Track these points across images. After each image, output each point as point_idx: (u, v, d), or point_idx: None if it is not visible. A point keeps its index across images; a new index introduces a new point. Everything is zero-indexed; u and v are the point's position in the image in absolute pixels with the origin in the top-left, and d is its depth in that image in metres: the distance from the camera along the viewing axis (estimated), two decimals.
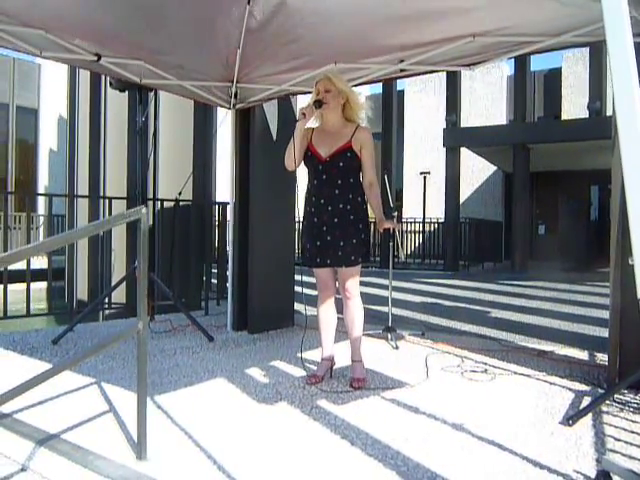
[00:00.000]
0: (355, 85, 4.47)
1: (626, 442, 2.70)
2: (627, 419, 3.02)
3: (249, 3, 3.76)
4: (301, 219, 3.73)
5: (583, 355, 4.58)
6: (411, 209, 20.66)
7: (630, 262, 1.30)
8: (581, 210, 18.84)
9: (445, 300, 9.27)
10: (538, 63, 27.53)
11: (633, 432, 2.82)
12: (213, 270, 7.36)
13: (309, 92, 4.53)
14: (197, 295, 7.13)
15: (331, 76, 3.58)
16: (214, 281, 7.38)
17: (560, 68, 20.23)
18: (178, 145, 8.46)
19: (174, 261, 6.90)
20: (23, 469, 2.38)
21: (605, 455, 2.54)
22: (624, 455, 2.55)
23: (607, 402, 3.26)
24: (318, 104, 3.48)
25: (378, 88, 19.79)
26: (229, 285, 5.59)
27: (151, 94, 5.29)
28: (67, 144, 12.17)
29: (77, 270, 10.45)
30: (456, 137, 16.09)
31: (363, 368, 3.71)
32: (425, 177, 19.54)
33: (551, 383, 3.73)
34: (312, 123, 3.60)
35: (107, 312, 7.31)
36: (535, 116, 19.96)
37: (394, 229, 5.24)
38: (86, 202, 9.97)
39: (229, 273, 5.58)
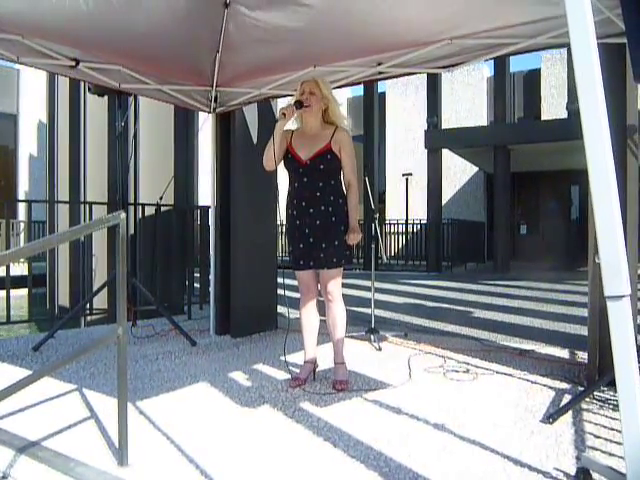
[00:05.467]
0: (335, 87, 4.48)
1: (606, 439, 2.73)
2: (607, 416, 3.06)
3: (227, 6, 3.76)
4: (284, 222, 3.73)
5: (564, 353, 4.63)
6: (394, 211, 20.73)
7: (597, 260, 1.33)
8: (562, 210, 19.02)
9: (428, 301, 9.30)
10: (517, 64, 27.74)
11: (612, 429, 2.85)
12: (196, 274, 7.33)
13: (289, 95, 4.54)
14: (180, 300, 7.11)
15: (319, 80, 3.60)
16: (197, 285, 7.35)
17: (539, 69, 20.42)
18: (159, 149, 8.41)
19: (156, 266, 6.87)
20: (4, 477, 2.36)
21: (585, 452, 2.56)
22: (604, 452, 2.58)
23: (587, 400, 3.30)
24: (299, 104, 3.49)
25: (359, 90, 19.85)
26: (211, 289, 5.58)
27: (130, 98, 5.26)
28: (47, 149, 12.07)
29: (58, 276, 10.36)
30: (437, 139, 16.17)
31: (346, 370, 3.72)
32: (407, 179, 19.61)
33: (532, 382, 3.76)
34: (291, 125, 3.61)
35: (89, 318, 7.24)
36: (515, 117, 20.11)
37: (376, 233, 5.28)
38: (66, 208, 9.89)
39: (211, 277, 5.57)
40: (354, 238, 3.55)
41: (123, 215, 2.39)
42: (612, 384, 3.38)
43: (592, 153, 1.21)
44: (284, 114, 3.45)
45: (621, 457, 2.48)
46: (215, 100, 5.22)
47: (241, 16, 3.79)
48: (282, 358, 4.07)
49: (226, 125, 5.37)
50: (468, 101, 20.91)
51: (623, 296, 1.45)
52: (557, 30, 3.47)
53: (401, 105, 22.00)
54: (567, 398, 3.37)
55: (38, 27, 3.79)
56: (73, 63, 4.16)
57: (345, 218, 3.57)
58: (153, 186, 7.46)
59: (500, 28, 3.57)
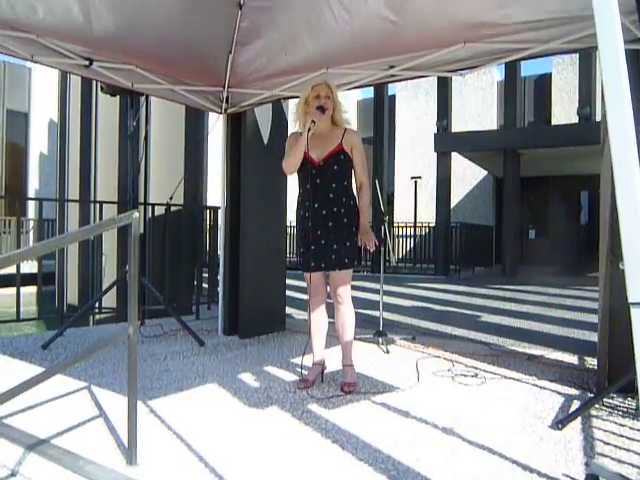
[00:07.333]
0: (346, 90, 4.50)
1: (615, 446, 2.72)
2: (616, 423, 3.04)
3: (241, 7, 3.77)
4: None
5: (573, 359, 4.60)
6: (403, 213, 20.68)
7: (621, 267, 1.31)
8: (571, 215, 18.96)
9: (436, 304, 9.29)
10: (528, 68, 27.59)
11: (622, 436, 2.84)
12: (204, 274, 7.35)
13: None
14: (188, 299, 7.12)
15: (330, 84, 3.62)
16: (205, 285, 7.37)
17: (550, 74, 20.34)
18: (169, 149, 8.44)
19: (165, 265, 6.89)
20: (13, 474, 2.37)
21: (594, 459, 2.55)
22: (613, 459, 2.56)
23: (596, 406, 3.28)
24: (322, 110, 3.50)
25: (369, 93, 19.86)
26: (220, 289, 5.59)
27: (142, 98, 5.28)
28: (58, 148, 12.13)
29: (67, 274, 10.40)
30: (447, 142, 16.15)
31: (354, 372, 3.71)
32: (416, 182, 19.58)
33: (541, 387, 3.75)
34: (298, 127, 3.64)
35: (98, 317, 7.27)
36: (525, 121, 20.06)
37: (386, 235, 5.27)
38: (77, 206, 9.94)
39: (220, 277, 5.58)
40: (369, 239, 3.53)
41: (136, 215, 2.40)
42: (622, 391, 3.37)
43: (618, 158, 1.20)
44: (313, 122, 3.46)
45: (631, 464, 2.47)
46: (226, 101, 5.23)
47: (254, 17, 3.81)
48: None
49: (237, 126, 5.37)
50: (478, 105, 20.87)
51: None
52: (570, 35, 3.47)
53: (411, 108, 21.98)
54: (576, 404, 3.35)
55: (52, 27, 3.80)
56: (87, 62, 4.18)
57: (356, 220, 3.58)
58: (163, 186, 7.49)
59: (514, 32, 3.56)
